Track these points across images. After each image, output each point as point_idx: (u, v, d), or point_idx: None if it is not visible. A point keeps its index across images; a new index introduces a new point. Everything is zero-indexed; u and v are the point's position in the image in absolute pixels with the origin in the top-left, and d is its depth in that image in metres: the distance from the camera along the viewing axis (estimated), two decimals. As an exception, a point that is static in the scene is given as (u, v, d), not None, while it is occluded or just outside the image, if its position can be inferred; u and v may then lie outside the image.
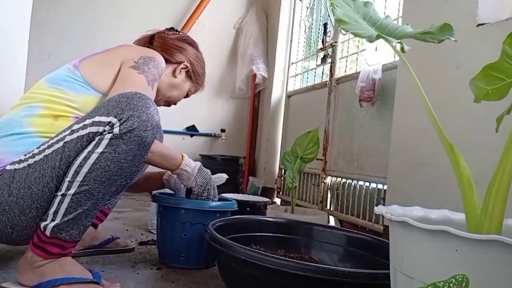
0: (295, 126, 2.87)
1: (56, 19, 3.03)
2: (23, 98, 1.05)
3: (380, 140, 1.88)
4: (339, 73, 2.40)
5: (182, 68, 1.29)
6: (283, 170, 2.90)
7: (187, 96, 1.39)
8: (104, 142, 0.90)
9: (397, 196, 1.53)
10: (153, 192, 1.35)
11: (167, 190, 1.33)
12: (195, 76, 1.34)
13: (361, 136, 2.07)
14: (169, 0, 3.33)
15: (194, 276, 1.16)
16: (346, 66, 2.37)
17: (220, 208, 1.25)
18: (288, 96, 3.08)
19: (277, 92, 3.24)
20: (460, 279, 0.44)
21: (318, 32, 2.85)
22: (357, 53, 2.27)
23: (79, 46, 2.92)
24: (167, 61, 1.24)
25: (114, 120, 0.90)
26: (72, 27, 3.07)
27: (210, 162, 3.08)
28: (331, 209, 2.25)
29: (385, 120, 1.85)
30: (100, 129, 0.91)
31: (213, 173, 1.29)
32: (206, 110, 3.45)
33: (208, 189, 1.24)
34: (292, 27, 3.23)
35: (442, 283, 0.44)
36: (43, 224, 0.89)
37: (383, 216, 0.86)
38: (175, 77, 1.29)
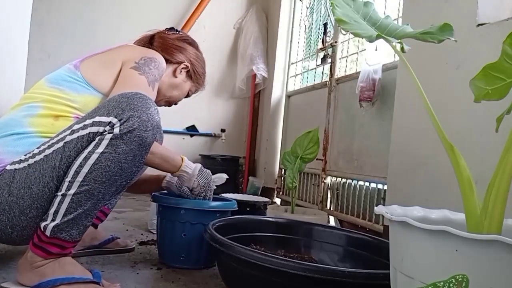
0: (295, 126, 2.87)
1: (56, 19, 3.03)
2: (24, 98, 1.05)
3: (380, 140, 1.88)
4: (339, 73, 2.40)
5: (182, 68, 1.29)
6: (283, 170, 2.90)
7: (188, 96, 1.39)
8: (105, 142, 0.90)
9: (397, 196, 1.53)
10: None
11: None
12: (196, 76, 1.34)
13: (361, 136, 2.07)
14: (169, 0, 3.33)
15: (194, 276, 1.16)
16: (346, 66, 2.37)
17: (220, 208, 1.25)
18: (288, 96, 3.08)
19: (277, 92, 3.24)
20: (460, 279, 0.44)
21: (318, 32, 2.85)
22: (357, 53, 2.27)
23: (79, 46, 2.92)
24: (168, 61, 1.24)
25: (114, 120, 0.90)
26: (72, 27, 3.07)
27: (210, 162, 3.08)
28: (331, 209, 2.25)
29: (385, 120, 1.85)
30: (101, 129, 0.91)
31: (213, 173, 1.29)
32: (206, 110, 3.45)
33: (207, 190, 1.24)
34: (292, 27, 3.23)
35: (442, 283, 0.44)
36: (43, 224, 0.89)
37: (383, 216, 0.86)
38: (176, 77, 1.29)
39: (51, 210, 0.89)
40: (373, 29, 0.71)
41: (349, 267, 1.12)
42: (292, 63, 3.18)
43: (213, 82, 3.39)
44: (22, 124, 0.98)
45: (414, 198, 1.42)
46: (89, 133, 0.91)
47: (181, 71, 1.29)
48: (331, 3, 0.71)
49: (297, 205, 2.18)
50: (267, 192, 3.09)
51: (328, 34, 2.51)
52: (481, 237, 0.45)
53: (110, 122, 0.90)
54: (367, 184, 1.96)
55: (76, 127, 0.93)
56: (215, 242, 0.95)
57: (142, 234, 1.67)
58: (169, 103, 1.36)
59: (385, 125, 1.83)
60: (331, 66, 2.42)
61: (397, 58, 1.63)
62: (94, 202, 0.92)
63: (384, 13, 1.97)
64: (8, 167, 0.92)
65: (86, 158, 0.89)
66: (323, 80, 2.59)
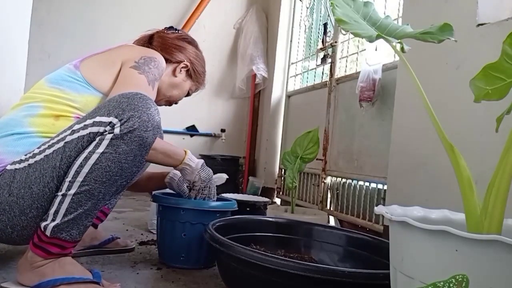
0: (295, 126, 2.87)
1: (56, 19, 3.03)
2: (24, 98, 1.05)
3: (380, 140, 1.88)
4: (339, 73, 2.40)
5: (182, 67, 1.29)
6: (283, 170, 2.90)
7: (188, 94, 1.38)
8: (105, 142, 0.90)
9: (397, 196, 1.53)
10: (153, 192, 1.35)
11: (168, 190, 1.33)
12: (196, 75, 1.34)
13: (361, 136, 2.07)
14: (169, 0, 3.33)
15: (194, 276, 1.16)
16: (346, 66, 2.37)
17: (220, 208, 1.25)
18: (288, 96, 3.08)
19: (277, 92, 3.24)
20: (460, 279, 0.44)
21: (318, 32, 2.85)
22: (357, 53, 2.27)
23: (79, 46, 2.92)
24: (167, 60, 1.24)
25: (115, 120, 0.90)
26: (72, 27, 3.07)
27: (210, 162, 3.07)
28: (331, 209, 2.25)
29: (385, 120, 1.85)
30: (101, 129, 0.91)
31: (213, 173, 1.29)
32: (206, 110, 3.45)
33: (209, 187, 1.23)
34: (292, 27, 3.23)
35: (442, 283, 0.44)
36: (43, 224, 0.89)
37: (383, 216, 0.86)
38: (176, 76, 1.29)
39: (51, 210, 0.89)
40: (373, 29, 0.71)
41: (349, 267, 1.12)
42: (292, 63, 3.18)
43: (213, 82, 3.39)
44: (23, 124, 0.98)
45: (414, 198, 1.42)
46: (90, 133, 0.91)
47: (180, 70, 1.29)
48: (331, 3, 0.71)
49: (297, 205, 2.18)
50: (267, 192, 3.09)
51: (328, 34, 2.51)
52: (481, 237, 0.45)
53: (110, 122, 0.90)
54: (367, 184, 1.96)
55: (76, 127, 0.93)
56: (215, 242, 0.95)
57: (142, 234, 1.67)
58: (170, 102, 1.36)
59: (385, 125, 1.83)
60: (331, 66, 2.42)
61: (397, 58, 1.63)
62: (95, 202, 0.92)
63: (384, 13, 1.97)
64: (9, 167, 0.92)
65: (87, 158, 0.89)
66: (323, 80, 2.59)
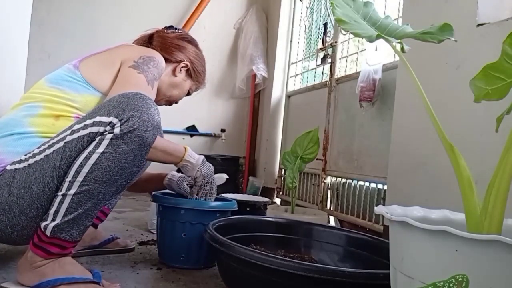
0: (295, 126, 2.87)
1: (56, 19, 3.03)
2: (24, 98, 1.05)
3: (380, 140, 1.88)
4: (339, 73, 2.40)
5: (182, 67, 1.29)
6: (283, 170, 2.90)
7: (188, 94, 1.38)
8: (105, 142, 0.90)
9: (397, 196, 1.53)
10: (153, 192, 1.35)
11: (168, 190, 1.33)
12: (196, 74, 1.33)
13: (361, 136, 2.07)
14: (169, 0, 3.33)
15: (194, 276, 1.16)
16: (346, 66, 2.37)
17: (220, 208, 1.25)
18: (288, 96, 3.08)
19: (277, 92, 3.24)
20: (460, 279, 0.44)
21: (318, 32, 2.85)
22: (357, 53, 2.27)
23: (79, 46, 2.92)
24: (167, 60, 1.24)
25: (115, 120, 0.90)
26: (72, 27, 3.07)
27: (210, 162, 3.04)
28: (331, 209, 2.25)
29: (385, 120, 1.85)
30: (101, 129, 0.91)
31: (213, 171, 1.29)
32: (206, 110, 3.45)
33: (211, 182, 1.23)
34: (292, 27, 3.23)
35: (442, 283, 0.44)
36: (43, 224, 0.89)
37: (383, 216, 0.86)
38: (175, 76, 1.29)
39: (51, 210, 0.89)
40: (373, 29, 0.71)
41: (349, 267, 1.12)
42: (292, 63, 3.18)
43: (213, 82, 3.39)
44: (23, 124, 0.98)
45: (414, 198, 1.42)
46: (90, 133, 0.91)
47: (180, 70, 1.29)
48: (331, 3, 0.71)
49: (297, 205, 2.18)
50: (267, 192, 3.09)
51: (328, 34, 2.51)
52: (481, 237, 0.45)
53: (110, 122, 0.90)
54: (367, 184, 1.96)
55: (76, 127, 0.93)
56: (215, 242, 0.95)
57: (142, 234, 1.67)
58: (170, 102, 1.36)
59: (385, 125, 1.83)
60: (331, 66, 2.42)
61: (397, 58, 1.63)
62: (95, 202, 0.92)
63: (384, 13, 1.97)
64: (9, 167, 0.92)
65: (87, 158, 0.89)
66: (323, 80, 2.59)
